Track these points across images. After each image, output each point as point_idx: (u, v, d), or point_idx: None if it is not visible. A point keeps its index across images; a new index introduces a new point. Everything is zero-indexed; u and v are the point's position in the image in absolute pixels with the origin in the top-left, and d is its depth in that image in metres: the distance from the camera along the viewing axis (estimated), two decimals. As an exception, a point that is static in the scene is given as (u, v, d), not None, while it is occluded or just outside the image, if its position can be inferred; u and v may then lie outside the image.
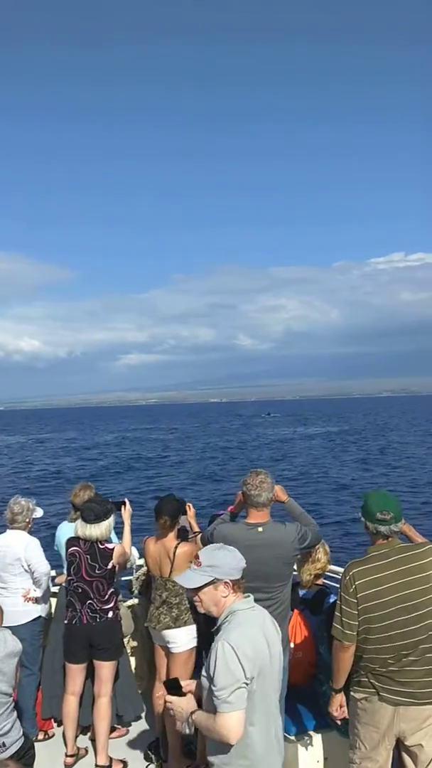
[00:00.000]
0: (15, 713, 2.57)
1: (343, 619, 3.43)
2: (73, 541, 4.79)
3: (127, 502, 5.05)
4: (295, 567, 4.82)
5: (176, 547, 4.62)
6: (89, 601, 4.69)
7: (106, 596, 4.72)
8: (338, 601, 3.51)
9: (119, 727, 5.23)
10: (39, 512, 5.28)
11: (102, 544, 4.70)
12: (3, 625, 3.60)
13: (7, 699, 2.52)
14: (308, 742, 4.19)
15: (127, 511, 5.03)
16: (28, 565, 5.00)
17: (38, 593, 5.08)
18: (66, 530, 5.43)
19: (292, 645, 4.44)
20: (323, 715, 4.13)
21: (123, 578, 5.47)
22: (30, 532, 5.19)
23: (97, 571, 4.67)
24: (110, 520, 4.75)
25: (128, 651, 5.63)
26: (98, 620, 4.69)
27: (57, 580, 5.53)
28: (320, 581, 4.82)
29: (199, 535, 5.00)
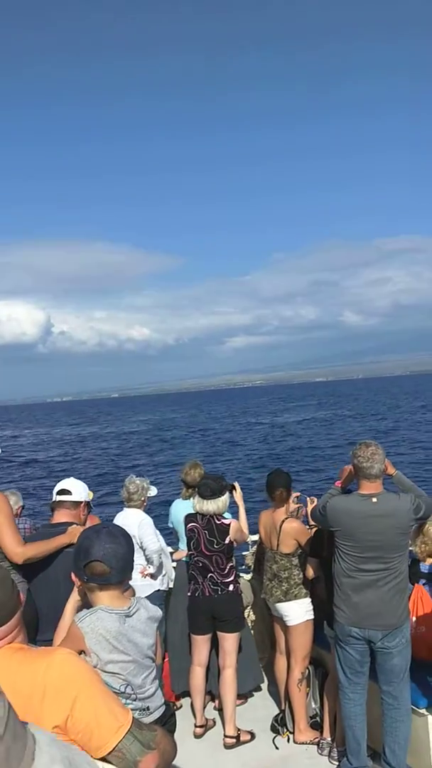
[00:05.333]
0: (158, 681, 2.69)
1: None
2: (191, 517, 4.91)
3: (237, 485, 5.12)
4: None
5: (283, 521, 4.71)
6: (210, 575, 4.79)
7: (226, 570, 4.79)
8: None
9: (242, 695, 5.32)
10: (153, 491, 5.43)
11: (219, 520, 4.78)
12: None
13: (151, 663, 2.63)
14: None
15: (238, 493, 5.10)
16: (141, 543, 5.16)
17: (152, 570, 5.22)
18: (179, 507, 5.60)
19: (414, 619, 4.35)
20: None
21: (238, 553, 5.57)
22: (145, 510, 5.36)
23: (215, 546, 4.76)
24: (226, 496, 4.83)
25: (249, 624, 5.72)
26: (220, 593, 4.78)
27: (175, 557, 5.69)
28: None
29: (308, 509, 5.00)
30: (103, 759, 1.89)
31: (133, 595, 2.80)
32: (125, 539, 2.64)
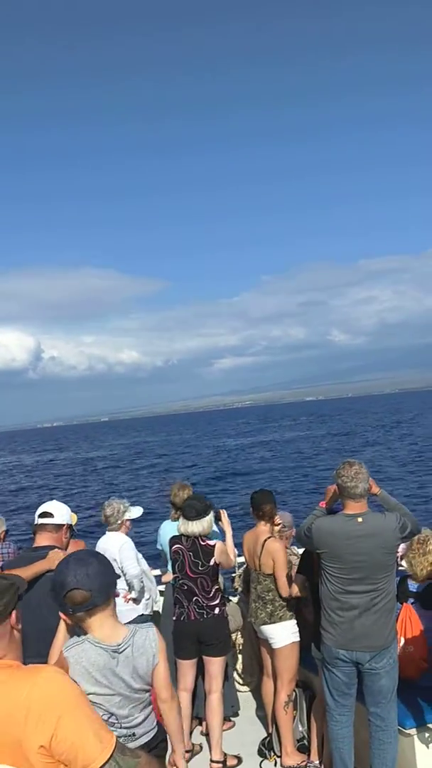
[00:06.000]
0: (150, 707, 2.65)
1: None
2: (175, 539, 4.88)
3: (224, 512, 5.12)
4: (403, 562, 4.73)
5: (266, 540, 4.72)
6: (195, 598, 4.75)
7: (211, 593, 4.76)
8: None
9: (230, 720, 5.27)
10: (133, 512, 5.30)
11: (203, 541, 4.76)
12: None
13: (143, 695, 2.59)
14: (428, 736, 4.08)
15: (225, 519, 5.09)
16: (121, 567, 5.07)
17: (134, 594, 5.14)
18: (168, 529, 5.56)
19: (402, 639, 4.34)
20: None
21: (226, 575, 5.54)
22: (129, 533, 5.29)
23: (200, 568, 4.73)
24: (210, 517, 4.82)
25: (237, 648, 5.68)
26: (205, 616, 4.75)
27: (164, 579, 5.64)
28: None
29: (292, 531, 5.01)
30: None
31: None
32: (95, 558, 2.60)
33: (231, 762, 4.72)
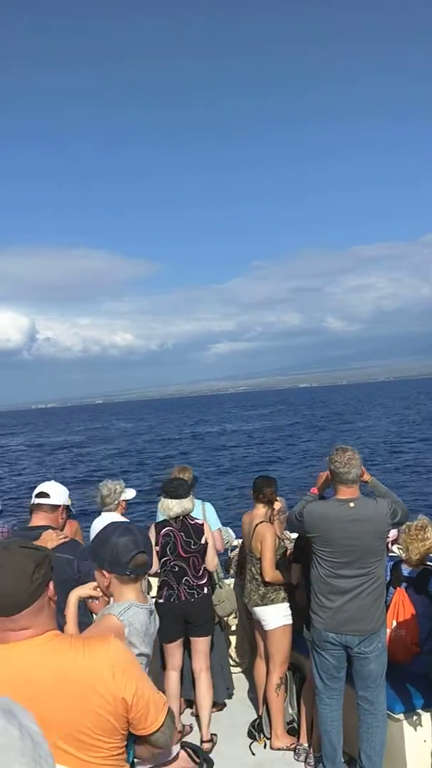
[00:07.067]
0: None
1: None
2: (163, 522, 4.82)
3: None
4: (395, 548, 4.74)
5: (258, 524, 4.74)
6: (185, 578, 4.73)
7: (201, 572, 4.77)
8: None
9: (223, 702, 5.29)
10: (129, 494, 5.28)
11: (192, 520, 4.77)
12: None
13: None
14: (416, 720, 4.09)
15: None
16: None
17: None
18: None
19: (394, 623, 4.36)
20: None
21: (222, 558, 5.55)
22: (125, 514, 5.28)
23: (192, 547, 4.73)
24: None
25: (232, 628, 5.69)
26: (195, 596, 4.74)
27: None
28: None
29: (284, 516, 5.02)
30: (148, 737, 2.12)
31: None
32: (138, 527, 2.71)
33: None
